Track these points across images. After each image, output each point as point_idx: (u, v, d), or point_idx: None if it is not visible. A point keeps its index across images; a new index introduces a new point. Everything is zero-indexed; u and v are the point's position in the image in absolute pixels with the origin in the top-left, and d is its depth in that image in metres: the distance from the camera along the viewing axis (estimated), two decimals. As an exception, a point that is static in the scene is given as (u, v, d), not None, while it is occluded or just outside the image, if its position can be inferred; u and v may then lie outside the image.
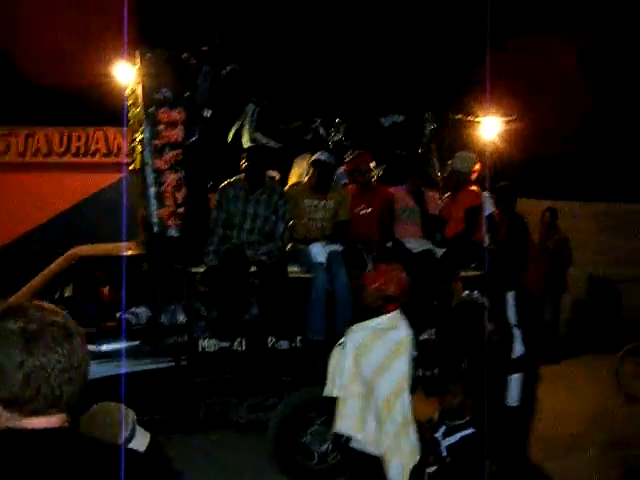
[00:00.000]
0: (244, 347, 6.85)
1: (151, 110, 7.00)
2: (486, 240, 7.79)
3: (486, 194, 7.98)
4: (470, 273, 7.48)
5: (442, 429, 4.60)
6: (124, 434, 2.41)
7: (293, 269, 6.98)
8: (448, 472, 4.37)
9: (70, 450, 1.89)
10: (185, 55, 7.10)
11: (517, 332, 6.33)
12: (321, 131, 8.34)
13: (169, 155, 7.04)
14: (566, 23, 12.68)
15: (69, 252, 7.43)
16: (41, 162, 13.68)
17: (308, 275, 6.90)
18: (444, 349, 7.44)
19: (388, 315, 4.87)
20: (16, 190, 13.24)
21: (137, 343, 6.79)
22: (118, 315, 6.95)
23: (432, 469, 4.53)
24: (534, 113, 10.01)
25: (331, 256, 6.91)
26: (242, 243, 6.85)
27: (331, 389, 4.98)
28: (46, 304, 2.00)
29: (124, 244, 7.41)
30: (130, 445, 2.35)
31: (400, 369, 4.70)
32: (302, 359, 6.85)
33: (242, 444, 7.46)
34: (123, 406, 2.56)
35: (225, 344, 6.75)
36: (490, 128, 8.52)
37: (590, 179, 13.33)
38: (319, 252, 6.86)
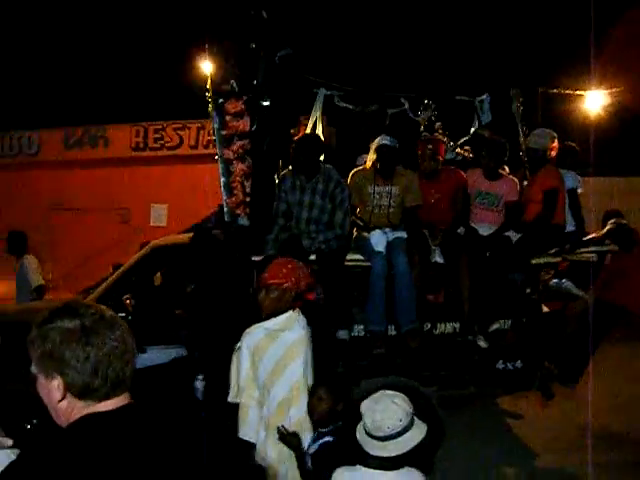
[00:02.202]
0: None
1: (220, 101, 7.16)
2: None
3: (571, 174, 7.50)
4: (549, 260, 7.06)
5: (311, 436, 4.30)
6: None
7: (356, 257, 6.89)
8: None
9: (147, 422, 2.19)
10: (252, 45, 7.16)
11: None
12: (409, 112, 8.17)
13: (237, 145, 7.16)
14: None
15: (148, 244, 7.82)
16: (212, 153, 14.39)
17: (369, 264, 6.78)
18: (526, 342, 7.13)
19: (285, 315, 4.56)
20: (189, 180, 14.02)
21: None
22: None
23: None
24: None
25: (393, 243, 6.74)
26: (301, 233, 6.84)
27: (234, 395, 4.71)
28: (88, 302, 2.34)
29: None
30: None
31: (294, 373, 4.41)
32: (363, 349, 6.78)
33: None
34: None
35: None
36: (593, 102, 7.96)
37: None
38: (379, 240, 6.70)
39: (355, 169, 7.25)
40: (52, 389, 2.13)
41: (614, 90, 7.95)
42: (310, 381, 4.52)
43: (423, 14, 12.32)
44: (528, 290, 7.33)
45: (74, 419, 2.12)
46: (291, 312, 4.62)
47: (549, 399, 7.29)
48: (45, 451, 2.05)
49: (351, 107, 8.01)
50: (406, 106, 8.11)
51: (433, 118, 8.05)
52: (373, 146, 7.05)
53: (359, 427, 3.55)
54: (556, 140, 7.28)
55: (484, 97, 7.82)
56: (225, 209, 7.20)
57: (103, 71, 16.90)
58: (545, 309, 7.65)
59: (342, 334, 6.77)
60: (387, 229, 6.88)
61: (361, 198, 7.08)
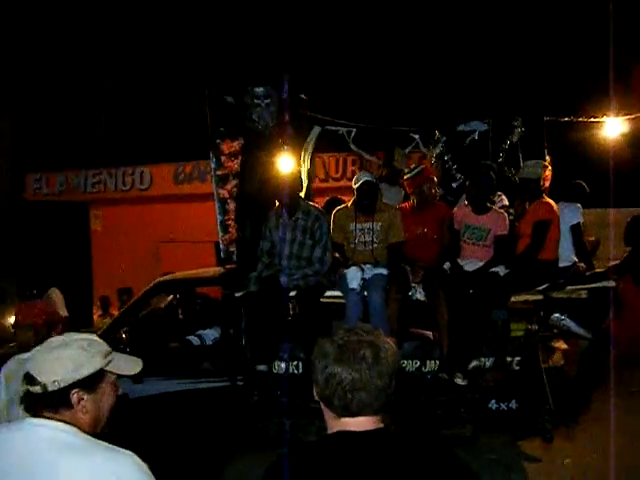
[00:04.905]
0: (299, 370, 7.00)
1: (216, 142, 7.47)
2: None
3: (573, 207, 7.21)
4: (528, 297, 6.81)
5: None
6: None
7: (336, 294, 6.93)
8: None
9: (399, 448, 2.27)
10: (250, 90, 7.40)
11: None
12: (421, 147, 8.14)
13: (231, 184, 7.44)
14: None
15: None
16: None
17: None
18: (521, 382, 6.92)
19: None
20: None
21: (201, 363, 7.32)
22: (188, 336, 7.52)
23: None
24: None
25: (371, 280, 6.74)
26: (283, 269, 6.97)
27: None
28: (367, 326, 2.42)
29: (213, 269, 7.98)
30: None
31: None
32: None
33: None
34: None
35: (271, 367, 6.93)
36: (612, 129, 7.62)
37: None
38: (353, 277, 6.71)
39: (338, 207, 7.31)
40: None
41: (634, 116, 7.56)
42: None
43: (426, 43, 12.10)
44: (533, 327, 7.10)
45: (330, 432, 2.32)
46: None
47: (548, 442, 6.97)
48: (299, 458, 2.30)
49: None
50: (417, 140, 8.07)
51: (443, 150, 7.99)
52: (354, 184, 7.09)
53: None
54: (548, 170, 7.04)
55: (483, 127, 7.66)
56: (221, 246, 7.47)
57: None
58: (563, 346, 7.40)
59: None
60: (368, 265, 6.88)
61: (344, 235, 7.12)
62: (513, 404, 6.89)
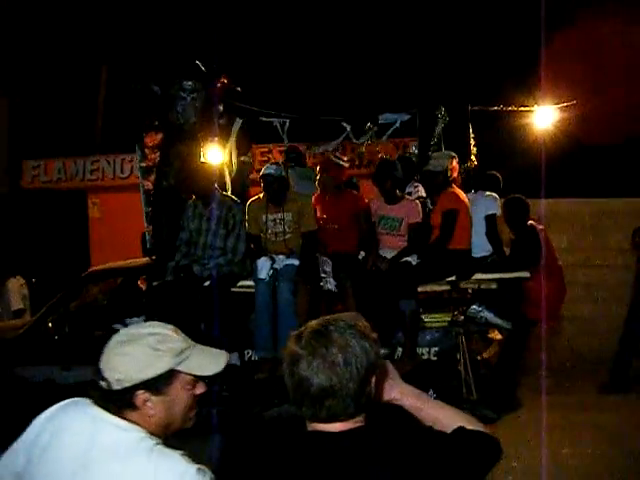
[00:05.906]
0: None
1: (141, 135, 7.57)
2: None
3: (489, 198, 7.17)
4: (435, 287, 6.81)
5: None
6: None
7: (249, 283, 7.00)
8: None
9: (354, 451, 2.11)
10: (178, 82, 7.47)
11: None
12: (351, 137, 8.14)
13: (154, 176, 7.54)
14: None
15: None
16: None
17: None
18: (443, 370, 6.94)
19: None
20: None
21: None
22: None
23: None
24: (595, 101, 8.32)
25: (281, 271, 6.79)
26: (198, 259, 7.04)
27: None
28: (362, 323, 2.17)
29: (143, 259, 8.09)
30: None
31: None
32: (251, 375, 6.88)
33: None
34: None
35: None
36: (542, 118, 7.54)
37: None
38: (262, 267, 6.77)
39: (251, 198, 7.36)
40: None
41: (564, 105, 7.47)
42: None
43: (354, 32, 11.98)
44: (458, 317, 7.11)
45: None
46: None
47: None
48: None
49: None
50: (348, 130, 8.07)
51: (373, 141, 8.00)
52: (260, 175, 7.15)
53: None
54: (455, 160, 7.00)
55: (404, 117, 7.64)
56: (147, 237, 7.59)
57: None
58: (498, 336, 7.41)
59: (233, 358, 6.88)
60: (281, 256, 6.92)
61: (259, 227, 7.16)
62: (431, 394, 6.88)
